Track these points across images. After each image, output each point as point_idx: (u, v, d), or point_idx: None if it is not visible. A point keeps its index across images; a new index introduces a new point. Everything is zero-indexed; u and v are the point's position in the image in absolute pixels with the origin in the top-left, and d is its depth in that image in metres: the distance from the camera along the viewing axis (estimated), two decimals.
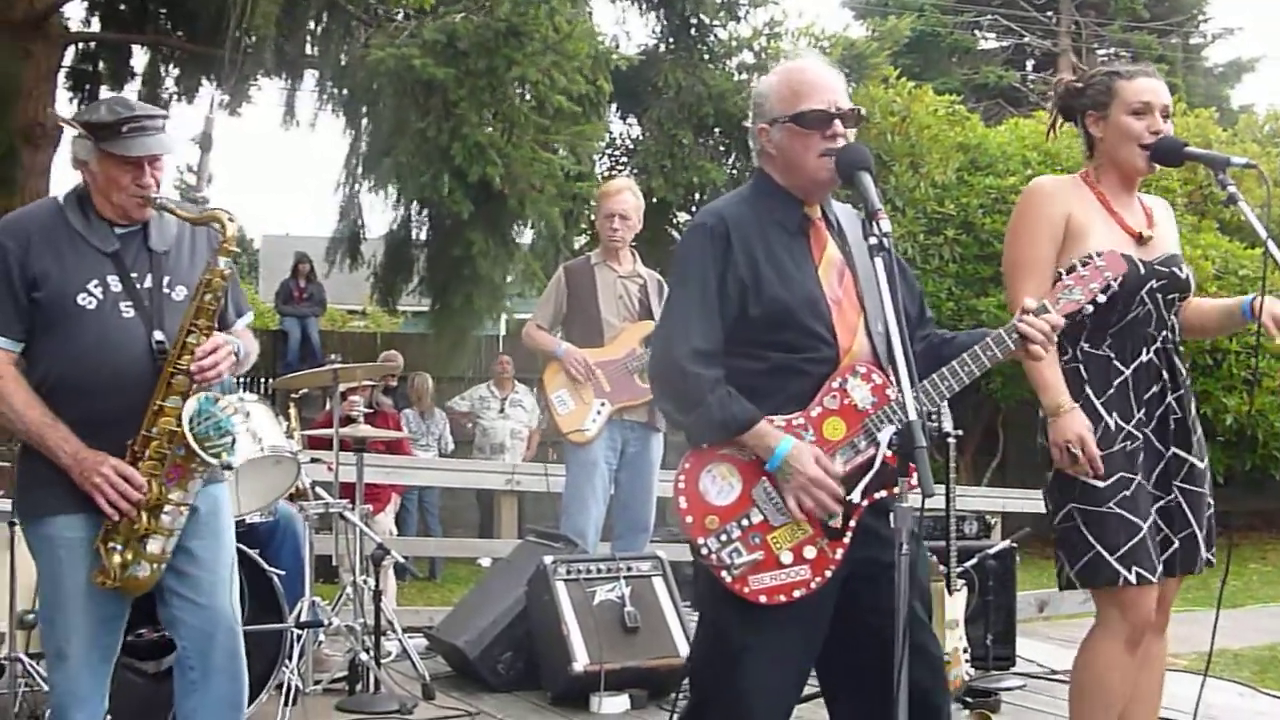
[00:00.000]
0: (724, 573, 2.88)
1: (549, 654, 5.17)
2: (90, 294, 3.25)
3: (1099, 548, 3.43)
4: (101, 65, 12.05)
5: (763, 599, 2.87)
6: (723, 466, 2.93)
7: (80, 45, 11.76)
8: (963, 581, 5.13)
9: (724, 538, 2.89)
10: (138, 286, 3.32)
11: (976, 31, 25.37)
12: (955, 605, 5.00)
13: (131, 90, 11.95)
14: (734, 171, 12.97)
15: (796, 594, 2.87)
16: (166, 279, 3.36)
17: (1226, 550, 3.97)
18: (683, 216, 13.12)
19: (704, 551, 2.88)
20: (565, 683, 5.03)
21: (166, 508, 3.23)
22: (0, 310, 3.24)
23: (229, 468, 3.33)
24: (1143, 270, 3.46)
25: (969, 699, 5.04)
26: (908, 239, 12.65)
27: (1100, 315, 3.39)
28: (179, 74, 11.99)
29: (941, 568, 4.99)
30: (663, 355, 3.03)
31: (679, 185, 12.11)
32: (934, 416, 5.01)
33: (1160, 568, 3.46)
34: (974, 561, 5.50)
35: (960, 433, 5.14)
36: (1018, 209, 3.64)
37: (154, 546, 3.24)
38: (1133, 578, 3.41)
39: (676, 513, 2.93)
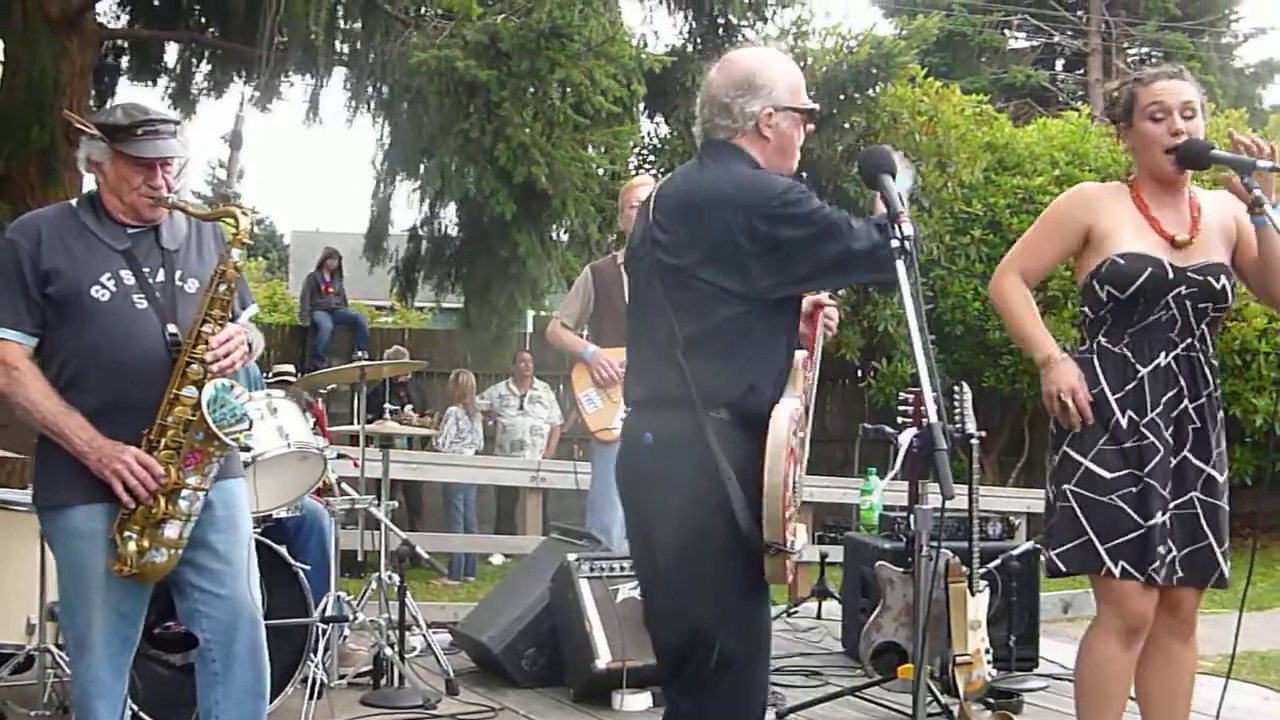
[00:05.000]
0: (789, 560, 2.91)
1: (572, 651, 5.20)
2: (103, 286, 3.32)
3: (1091, 535, 3.46)
4: (134, 61, 12.11)
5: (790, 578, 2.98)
6: (793, 462, 2.94)
7: (113, 42, 11.83)
8: (985, 583, 5.12)
9: (790, 528, 2.91)
10: (150, 280, 3.38)
11: (1006, 30, 25.26)
12: (977, 606, 5.00)
13: (163, 85, 12.02)
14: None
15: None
16: (179, 273, 3.43)
17: (1250, 552, 3.97)
18: None
19: (787, 545, 2.88)
20: (588, 680, 5.06)
21: (184, 492, 3.27)
22: (14, 305, 3.30)
23: (248, 449, 3.39)
24: (1171, 275, 3.47)
25: (991, 700, 5.05)
26: (934, 239, 12.67)
27: (1122, 313, 3.46)
28: (209, 70, 12.04)
29: (964, 569, 4.99)
30: None
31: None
32: (958, 418, 5.02)
33: (1172, 572, 3.47)
34: (997, 563, 5.49)
35: (984, 434, 5.13)
36: (1054, 202, 3.74)
37: (171, 532, 3.27)
38: (1117, 571, 3.44)
39: (783, 509, 2.85)
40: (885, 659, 5.24)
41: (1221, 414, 3.59)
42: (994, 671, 5.17)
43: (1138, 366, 3.45)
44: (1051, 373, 3.50)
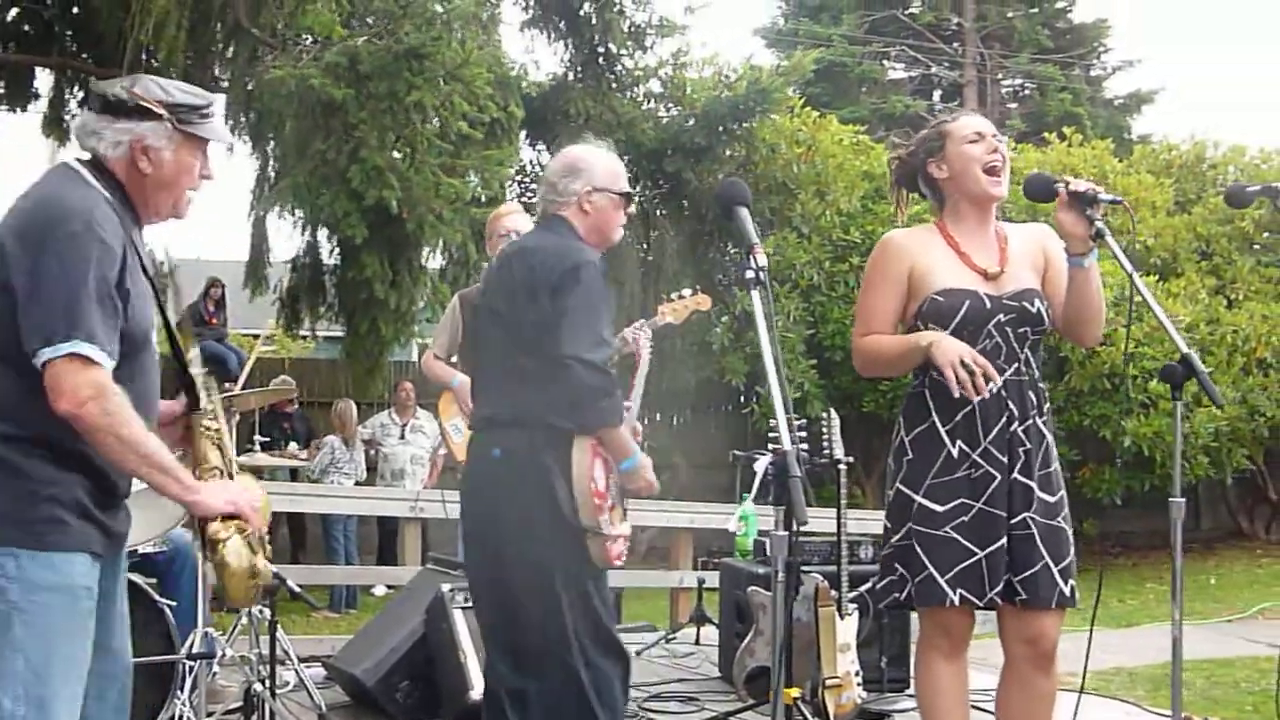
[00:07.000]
0: (608, 542, 3.71)
1: (447, 682, 5.17)
2: (154, 328, 2.98)
3: (931, 569, 3.54)
4: (8, 88, 11.87)
5: (617, 563, 3.82)
6: (598, 460, 3.71)
7: None
8: (854, 606, 5.20)
9: (604, 515, 3.69)
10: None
11: (885, 62, 25.78)
12: (847, 629, 5.08)
13: (36, 112, 11.79)
14: (642, 200, 13.07)
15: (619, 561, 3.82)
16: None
17: (1099, 570, 4.09)
18: None
19: (601, 526, 3.67)
20: (463, 710, 5.02)
21: None
22: (100, 319, 2.72)
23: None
24: (989, 304, 3.59)
25: None
26: (814, 265, 12.86)
27: None
28: (84, 97, 11.83)
29: (833, 593, 5.06)
30: (594, 349, 3.65)
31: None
32: (827, 443, 5.11)
33: (1013, 593, 3.56)
34: (868, 586, 5.57)
35: (851, 459, 5.22)
36: (868, 261, 3.82)
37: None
38: (956, 599, 3.53)
39: (590, 495, 3.64)
40: (759, 683, 5.30)
41: (1050, 437, 3.68)
42: (864, 693, 5.25)
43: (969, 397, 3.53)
44: (937, 349, 3.47)
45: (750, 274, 3.02)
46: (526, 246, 3.95)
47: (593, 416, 3.68)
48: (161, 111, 2.90)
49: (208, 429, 3.08)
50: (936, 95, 26.54)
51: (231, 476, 3.04)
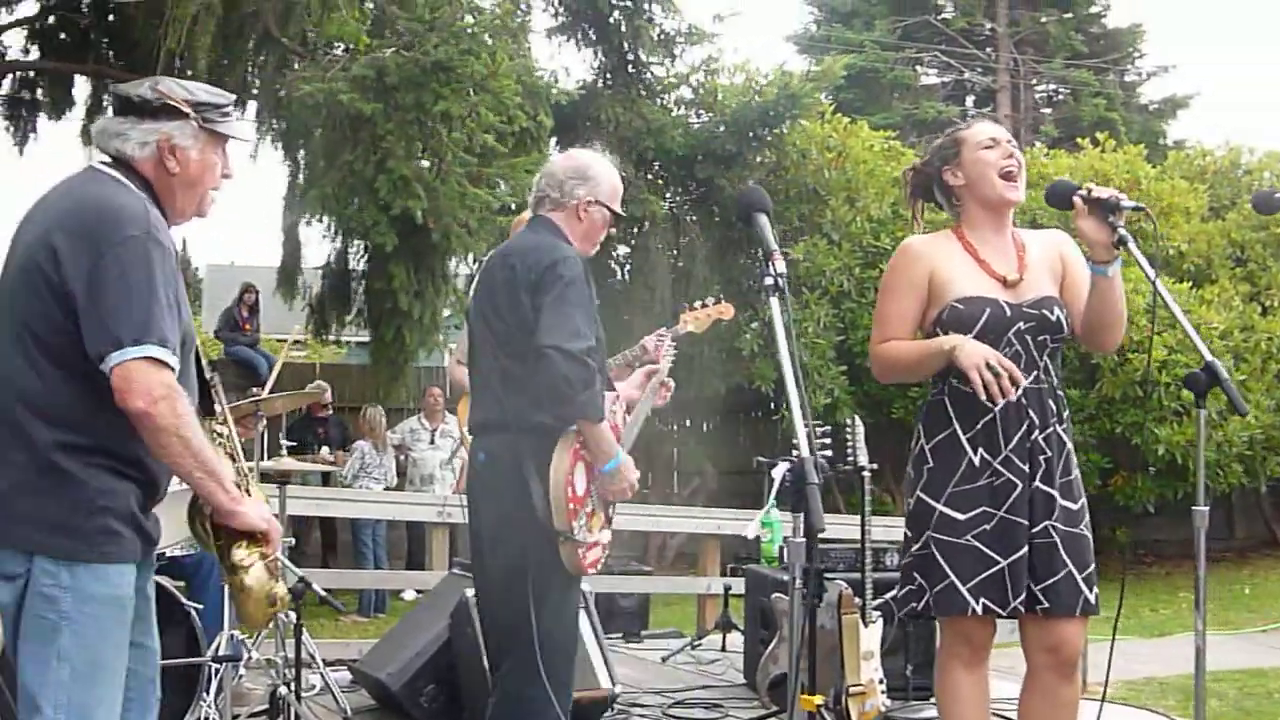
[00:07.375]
0: (580, 549, 3.70)
1: (471, 686, 5.18)
2: (194, 329, 2.98)
3: (953, 578, 3.53)
4: (41, 94, 11.99)
5: (591, 571, 3.84)
6: (580, 464, 3.70)
7: (19, 74, 11.71)
8: (878, 613, 5.19)
9: (580, 521, 3.69)
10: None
11: (917, 67, 25.69)
12: (871, 637, 5.06)
13: (74, 119, 11.90)
14: (673, 206, 13.08)
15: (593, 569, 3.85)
16: None
17: (1121, 581, 4.06)
18: (623, 250, 13.24)
19: (575, 532, 3.66)
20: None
21: None
22: (167, 321, 2.72)
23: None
24: (1009, 312, 3.58)
25: None
26: (844, 272, 12.83)
27: None
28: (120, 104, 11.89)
29: (857, 600, 5.05)
30: (572, 340, 3.60)
31: (619, 219, 12.22)
32: (850, 451, 5.10)
33: (1035, 602, 3.53)
34: (893, 593, 5.55)
35: (875, 466, 5.20)
36: (887, 266, 3.83)
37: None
38: (979, 608, 3.51)
39: (567, 500, 3.63)
40: (782, 690, 5.28)
41: (1070, 444, 3.66)
42: (889, 701, 5.23)
43: (988, 405, 3.51)
44: (961, 352, 3.48)
45: (770, 281, 3.03)
46: (509, 248, 3.99)
47: (571, 409, 3.63)
48: (188, 110, 2.90)
49: (217, 434, 3.07)
50: (969, 101, 26.45)
51: (248, 491, 3.00)
